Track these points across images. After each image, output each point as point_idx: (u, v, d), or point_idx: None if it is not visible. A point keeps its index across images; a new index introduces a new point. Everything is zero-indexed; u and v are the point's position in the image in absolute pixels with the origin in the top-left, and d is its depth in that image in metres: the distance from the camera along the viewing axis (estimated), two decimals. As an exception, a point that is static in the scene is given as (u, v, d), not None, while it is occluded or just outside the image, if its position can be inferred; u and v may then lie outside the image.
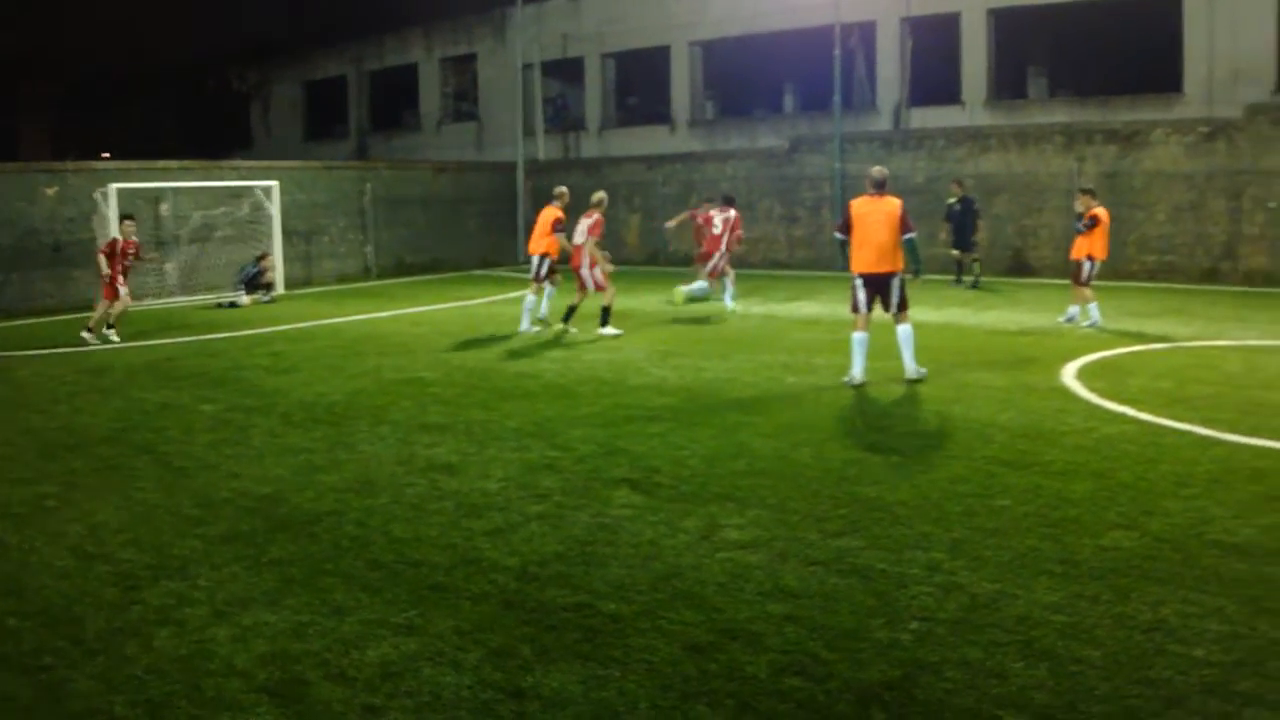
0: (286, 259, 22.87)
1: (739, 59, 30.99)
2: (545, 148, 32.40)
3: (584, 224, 15.21)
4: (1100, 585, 5.40)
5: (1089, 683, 4.36)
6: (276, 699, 4.33)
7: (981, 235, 21.66)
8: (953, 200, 21.04)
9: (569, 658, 4.63)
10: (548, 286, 16.22)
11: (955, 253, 21.18)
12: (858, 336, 10.79)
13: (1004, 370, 11.55)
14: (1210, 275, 20.56)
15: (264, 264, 21.17)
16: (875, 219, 10.79)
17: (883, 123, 27.26)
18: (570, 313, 15.30)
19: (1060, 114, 24.62)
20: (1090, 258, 15.10)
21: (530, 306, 15.85)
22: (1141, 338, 13.74)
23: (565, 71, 34.01)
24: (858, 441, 8.59)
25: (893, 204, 10.83)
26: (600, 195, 15.67)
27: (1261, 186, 20.52)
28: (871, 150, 25.19)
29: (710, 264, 18.08)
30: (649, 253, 28.91)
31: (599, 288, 15.04)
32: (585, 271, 15.16)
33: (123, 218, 17.14)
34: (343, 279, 24.90)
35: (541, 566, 5.77)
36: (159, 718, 4.22)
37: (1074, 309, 15.42)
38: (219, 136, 41.73)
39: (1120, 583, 5.43)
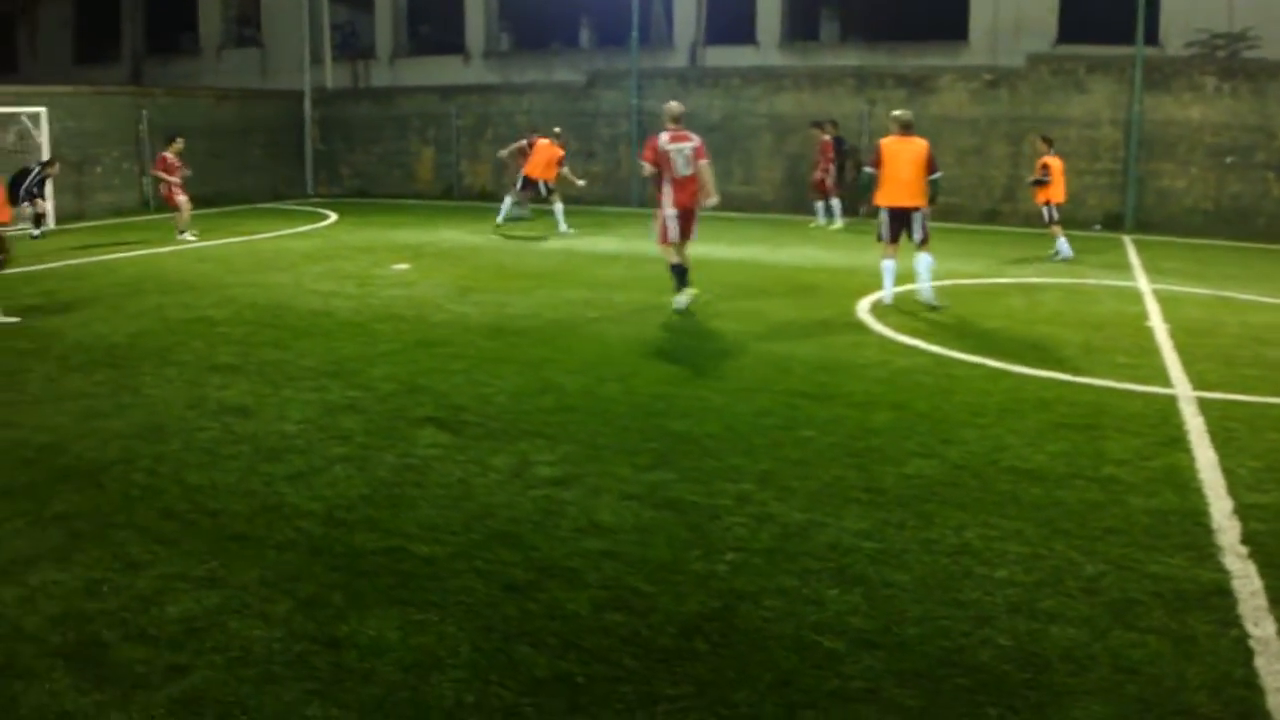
0: (57, 191, 21.23)
1: (535, -10, 30.48)
2: (334, 76, 31.16)
3: (687, 147, 11.30)
4: (906, 512, 5.57)
5: (901, 606, 4.49)
6: (73, 662, 3.99)
7: (849, 175, 22.27)
8: (828, 138, 21.43)
9: (384, 603, 4.46)
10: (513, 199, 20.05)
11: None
12: (887, 264, 11.75)
13: (802, 305, 11.81)
14: (991, 216, 21.54)
15: (49, 170, 19.38)
16: (905, 158, 11.47)
17: (679, 60, 27.32)
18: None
19: (851, 57, 25.19)
20: (1048, 203, 16.42)
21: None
22: (931, 275, 14.23)
23: (354, -4, 32.71)
24: (663, 376, 8.60)
25: (921, 145, 11.52)
26: (676, 107, 11.73)
27: (1041, 132, 21.51)
28: (668, 87, 25.22)
29: None
30: (444, 186, 28.32)
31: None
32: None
33: None
34: (118, 212, 23.34)
35: (348, 511, 5.54)
36: (-63, 689, 3.84)
37: (1062, 244, 16.53)
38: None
39: (924, 509, 5.61)
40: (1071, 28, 23.00)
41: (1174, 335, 10.41)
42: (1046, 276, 14.54)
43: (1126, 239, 19.69)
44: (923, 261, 11.66)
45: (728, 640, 4.18)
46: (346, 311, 11.35)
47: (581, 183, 20.47)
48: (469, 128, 27.88)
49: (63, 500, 5.74)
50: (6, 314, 11.02)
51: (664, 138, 11.21)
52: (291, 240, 18.70)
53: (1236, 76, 20.53)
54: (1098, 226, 21.12)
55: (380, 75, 31.62)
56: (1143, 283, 14.12)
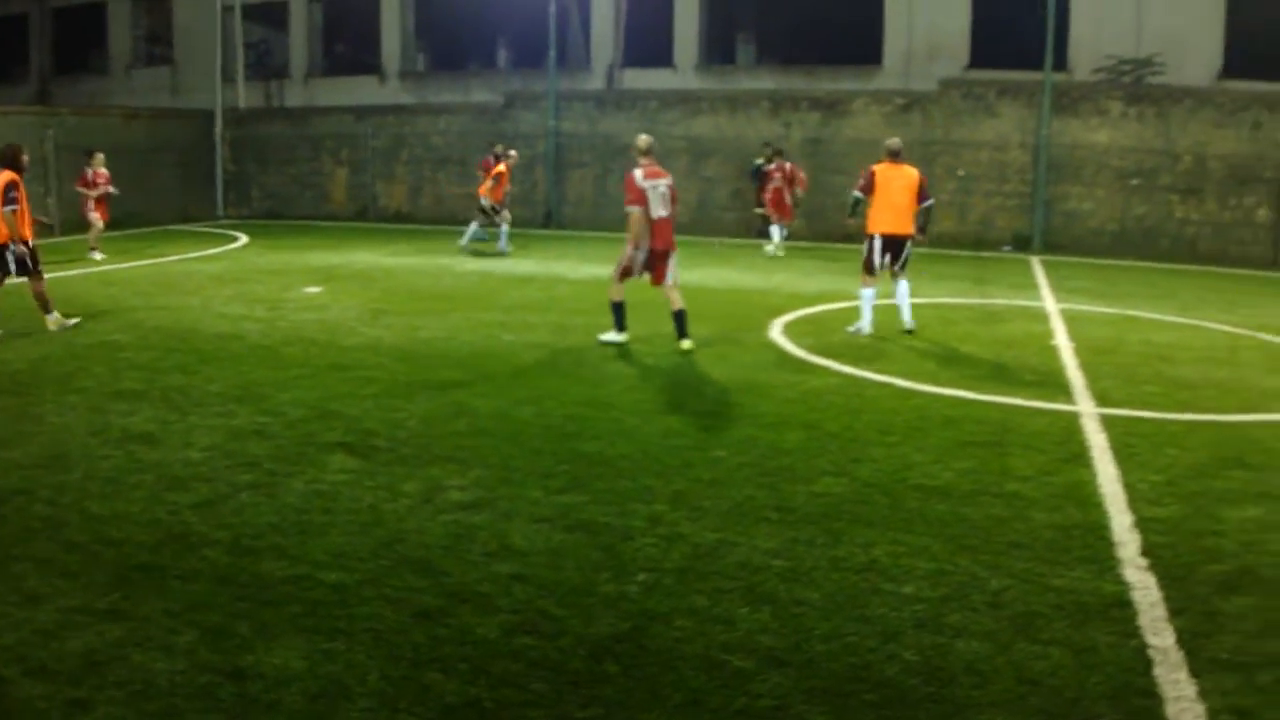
0: (-46, 213, 20.68)
1: (451, 10, 30.35)
2: (246, 96, 30.76)
3: (662, 184, 10.50)
4: (815, 530, 5.63)
5: (810, 623, 4.54)
6: (-34, 701, 3.88)
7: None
8: (761, 161, 21.49)
9: (290, 632, 4.39)
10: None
11: (759, 210, 21.78)
12: (869, 292, 11.60)
13: (715, 326, 11.88)
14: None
15: None
16: (898, 185, 11.45)
17: (596, 82, 27.42)
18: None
19: (767, 81, 25.51)
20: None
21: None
22: (842, 295, 14.45)
23: (268, 15, 32.26)
24: (577, 398, 8.60)
25: (913, 173, 11.53)
26: (646, 140, 10.72)
27: (952, 156, 22.07)
28: (586, 109, 25.34)
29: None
30: (358, 208, 28.07)
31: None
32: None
33: None
34: (21, 235, 22.77)
35: (255, 539, 5.44)
36: None
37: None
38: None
39: (834, 526, 5.68)
40: (982, 53, 23.52)
41: (1079, 353, 10.68)
42: (958, 297, 14.82)
43: (1034, 259, 20.17)
44: (904, 287, 11.68)
45: (638, 661, 4.19)
46: (256, 335, 11.18)
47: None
48: (384, 148, 27.69)
49: (-41, 533, 5.56)
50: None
51: (639, 174, 10.34)
52: (200, 263, 18.38)
53: (1142, 101, 21.18)
54: (1007, 247, 21.61)
55: (294, 95, 31.29)
56: (1049, 303, 14.47)
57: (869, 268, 11.58)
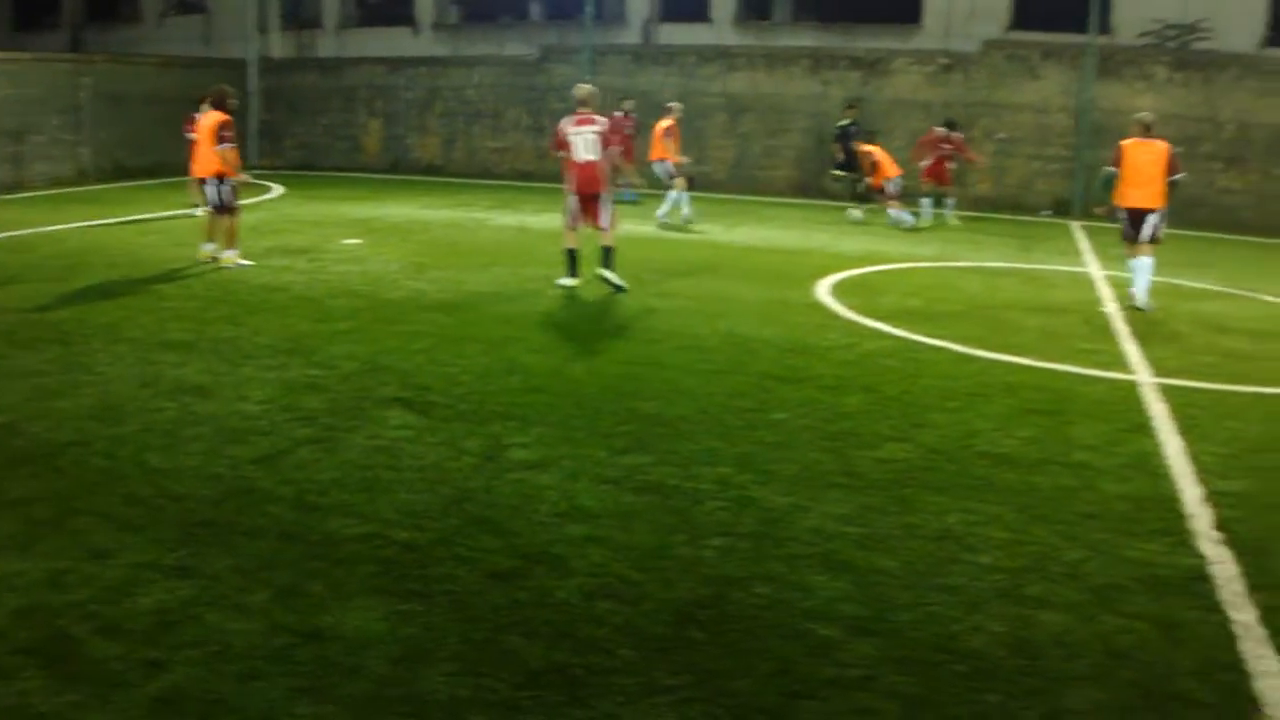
0: (-8, 159, 20.75)
1: (484, -38, 30.04)
2: (279, 46, 30.56)
3: (588, 130, 11.26)
4: (885, 496, 5.56)
5: (891, 592, 4.47)
6: (42, 659, 3.80)
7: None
8: (845, 122, 21.12)
9: (365, 593, 4.33)
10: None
11: (838, 173, 21.28)
12: (1132, 261, 11.44)
13: (761, 286, 11.76)
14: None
15: None
16: (1146, 159, 11.28)
17: (632, 36, 27.06)
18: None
19: (804, 38, 25.09)
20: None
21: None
22: (886, 257, 14.30)
23: (300, -35, 31.98)
24: (629, 356, 8.52)
25: (1162, 147, 11.31)
26: (582, 90, 11.67)
27: (993, 119, 21.67)
28: (622, 63, 25.05)
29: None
30: (391, 160, 27.91)
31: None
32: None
33: None
34: (57, 182, 22.70)
35: (320, 495, 5.39)
36: (-102, 686, 3.63)
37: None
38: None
39: (903, 493, 5.61)
40: (1024, 14, 23.06)
41: (1130, 321, 10.52)
42: (1003, 261, 14.63)
43: (1075, 225, 19.88)
44: (1144, 263, 11.32)
45: (722, 628, 4.13)
46: (300, 287, 11.11)
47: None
48: (418, 100, 27.48)
49: (19, 484, 5.50)
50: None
51: (565, 122, 11.31)
52: (238, 213, 18.28)
53: (1187, 67, 20.75)
54: (1046, 211, 21.31)
55: (326, 45, 31.02)
56: (1094, 269, 14.27)
57: (1124, 238, 11.56)
